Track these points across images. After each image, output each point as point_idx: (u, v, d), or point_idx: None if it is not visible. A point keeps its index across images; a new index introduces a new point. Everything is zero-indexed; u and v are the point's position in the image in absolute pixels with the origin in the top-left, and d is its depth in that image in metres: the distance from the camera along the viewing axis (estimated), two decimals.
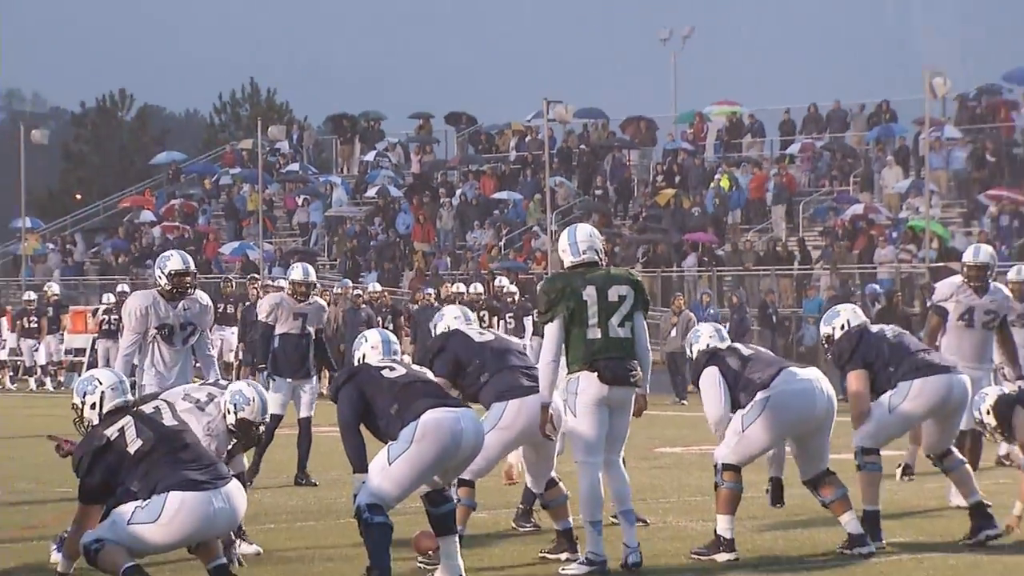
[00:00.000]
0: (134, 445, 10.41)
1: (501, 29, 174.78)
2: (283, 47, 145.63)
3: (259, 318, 19.00)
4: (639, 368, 11.97)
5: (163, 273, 15.50)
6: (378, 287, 37.94)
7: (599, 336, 11.86)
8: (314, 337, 19.04)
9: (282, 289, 19.47)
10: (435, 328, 14.13)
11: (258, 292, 35.91)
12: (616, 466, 12.28)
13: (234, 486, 10.67)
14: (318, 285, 21.17)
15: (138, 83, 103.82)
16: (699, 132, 55.80)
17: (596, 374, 11.79)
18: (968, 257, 16.60)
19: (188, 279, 15.55)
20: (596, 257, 12.38)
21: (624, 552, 11.92)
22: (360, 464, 11.16)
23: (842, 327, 13.96)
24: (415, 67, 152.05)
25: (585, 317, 11.87)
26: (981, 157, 48.11)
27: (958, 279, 16.50)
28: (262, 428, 13.13)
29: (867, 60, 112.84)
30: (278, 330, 18.60)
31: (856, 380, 13.40)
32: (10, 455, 19.68)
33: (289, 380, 18.16)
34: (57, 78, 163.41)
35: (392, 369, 11.56)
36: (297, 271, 19.46)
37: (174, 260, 15.71)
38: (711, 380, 12.83)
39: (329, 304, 36.63)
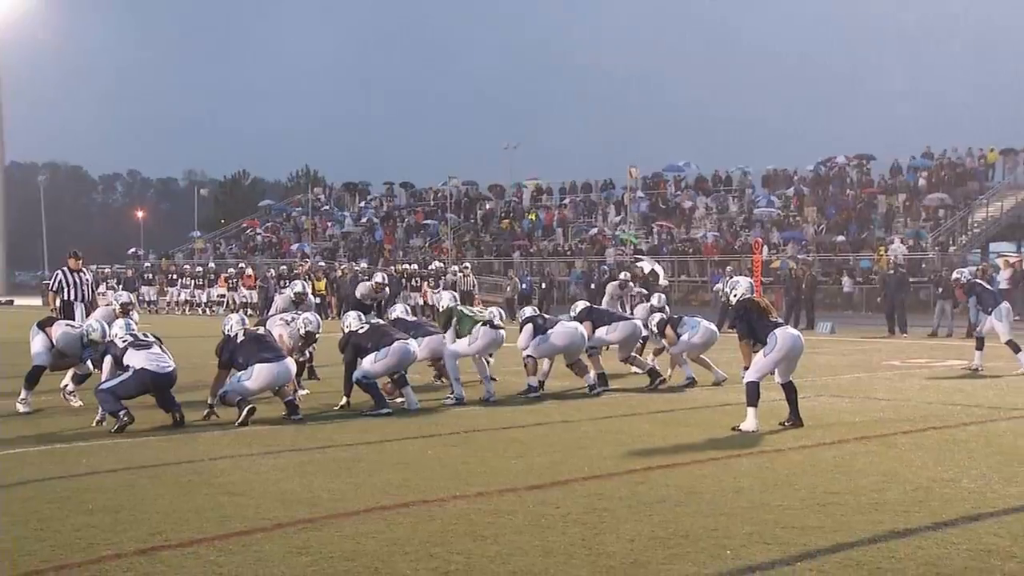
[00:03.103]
0: (239, 338, 10.94)
1: (429, 135, 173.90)
2: (322, 147, 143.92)
3: (356, 294, 17.46)
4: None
5: (292, 292, 15.48)
6: (379, 278, 37.98)
7: (479, 321, 12.67)
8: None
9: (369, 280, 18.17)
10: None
11: (306, 269, 35.85)
12: (482, 362, 12.98)
13: (289, 361, 11.12)
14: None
15: (251, 165, 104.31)
16: (520, 193, 55.97)
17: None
18: (645, 267, 17.24)
19: (305, 297, 15.50)
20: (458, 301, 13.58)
21: (486, 395, 12.34)
22: (350, 370, 11.70)
23: (584, 308, 14.52)
24: (387, 154, 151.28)
25: (465, 320, 12.76)
26: (655, 205, 48.71)
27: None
28: (317, 337, 13.39)
29: (601, 155, 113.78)
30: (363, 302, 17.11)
31: (587, 327, 13.71)
32: (188, 346, 19.39)
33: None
34: (213, 162, 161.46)
35: (364, 327, 12.02)
36: (379, 276, 17.93)
37: (297, 286, 15.72)
38: (527, 330, 12.97)
39: (342, 275, 36.82)
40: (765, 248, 37.44)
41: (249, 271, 41.05)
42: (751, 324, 10.17)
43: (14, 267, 71.66)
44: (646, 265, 16.96)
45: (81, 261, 16.90)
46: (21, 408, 11.59)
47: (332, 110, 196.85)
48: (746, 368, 10.17)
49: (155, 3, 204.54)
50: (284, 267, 38.17)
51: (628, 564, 5.33)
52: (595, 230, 47.12)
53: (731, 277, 28.29)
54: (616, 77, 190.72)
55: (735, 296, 10.68)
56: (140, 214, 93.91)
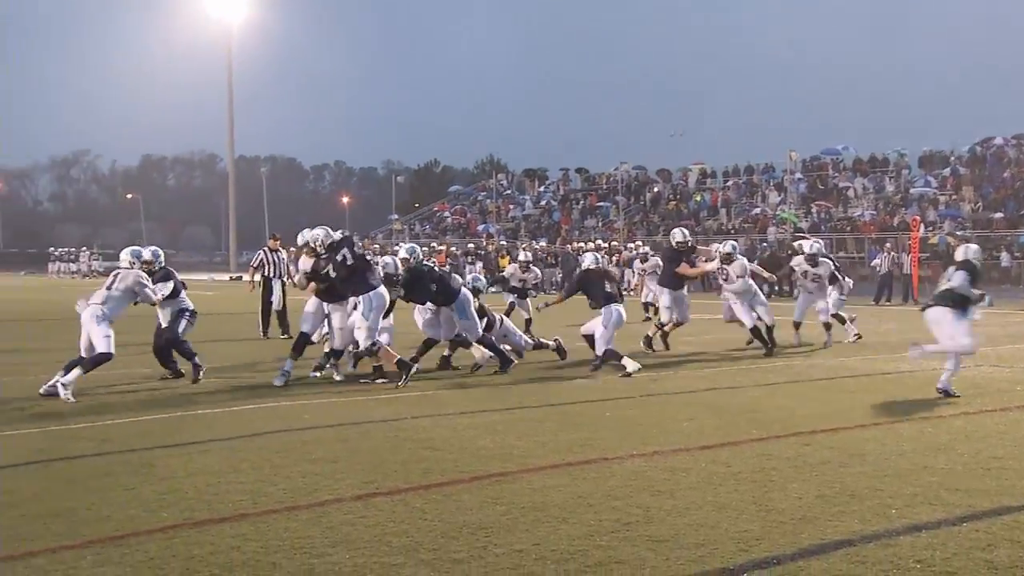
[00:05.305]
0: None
1: (602, 124, 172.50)
2: (504, 137, 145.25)
3: (504, 274, 17.30)
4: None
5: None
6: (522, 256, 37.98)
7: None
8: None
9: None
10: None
11: (493, 245, 35.93)
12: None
13: None
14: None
15: (442, 154, 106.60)
16: (686, 176, 54.52)
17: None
18: (804, 248, 15.12)
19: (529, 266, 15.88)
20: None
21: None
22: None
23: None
24: (564, 142, 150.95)
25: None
26: (813, 186, 47.25)
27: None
28: (482, 292, 12.89)
29: (762, 140, 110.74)
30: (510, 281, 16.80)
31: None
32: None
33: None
34: (408, 152, 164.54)
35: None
36: (522, 255, 17.29)
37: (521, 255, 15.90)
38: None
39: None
40: (922, 226, 35.88)
41: (442, 249, 41.73)
42: (589, 290, 11.83)
43: (241, 247, 75.12)
44: (806, 244, 15.47)
45: (280, 242, 17.49)
46: (276, 383, 10.61)
47: (514, 103, 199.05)
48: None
49: (358, 12, 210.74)
50: (471, 245, 38.64)
51: (797, 520, 5.21)
52: (757, 210, 46.00)
53: (889, 253, 27.35)
54: (776, 64, 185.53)
55: (582, 266, 12.24)
56: (345, 200, 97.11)
